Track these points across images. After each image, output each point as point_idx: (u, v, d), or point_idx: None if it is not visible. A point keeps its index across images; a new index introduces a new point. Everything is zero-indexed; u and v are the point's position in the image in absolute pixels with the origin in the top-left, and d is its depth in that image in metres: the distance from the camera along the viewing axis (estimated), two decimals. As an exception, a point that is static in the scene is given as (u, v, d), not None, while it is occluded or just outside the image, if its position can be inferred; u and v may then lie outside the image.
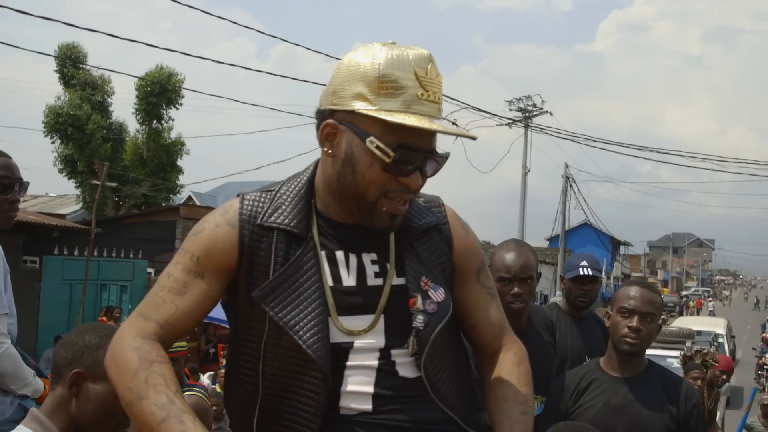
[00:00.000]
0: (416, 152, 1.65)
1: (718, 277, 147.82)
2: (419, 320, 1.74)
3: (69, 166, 23.33)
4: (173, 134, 23.87)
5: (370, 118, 1.62)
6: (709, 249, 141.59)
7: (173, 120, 23.48)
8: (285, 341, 1.67)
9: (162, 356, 1.65)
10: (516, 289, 3.14)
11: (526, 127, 29.01)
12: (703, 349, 7.42)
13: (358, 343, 1.72)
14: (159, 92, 22.44)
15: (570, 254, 5.25)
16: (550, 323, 3.75)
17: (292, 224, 1.73)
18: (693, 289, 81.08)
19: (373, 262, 1.78)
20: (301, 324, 1.67)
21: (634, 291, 3.05)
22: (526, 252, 3.25)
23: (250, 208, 1.75)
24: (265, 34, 26.27)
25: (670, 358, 10.15)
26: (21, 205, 3.05)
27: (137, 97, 22.74)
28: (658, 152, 25.15)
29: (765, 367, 20.05)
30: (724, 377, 7.98)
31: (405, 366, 1.75)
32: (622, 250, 66.29)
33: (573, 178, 34.41)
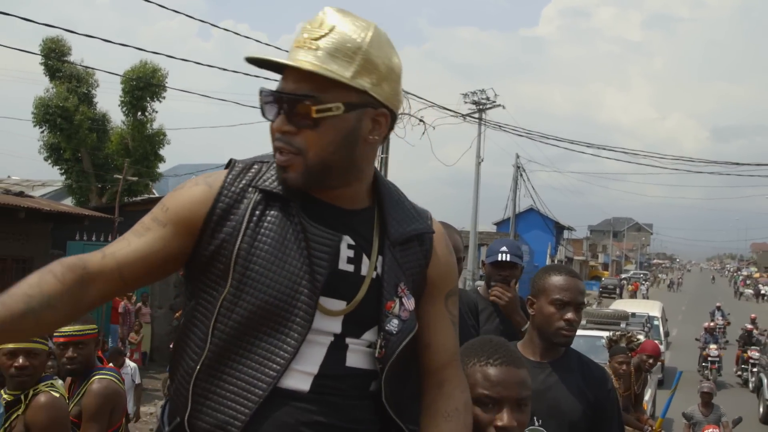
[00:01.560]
0: (263, 91, 1.69)
1: (655, 261, 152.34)
2: (393, 324, 1.72)
3: (54, 154, 24.67)
4: (155, 125, 25.38)
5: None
6: (647, 233, 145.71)
7: (156, 112, 24.98)
8: (255, 297, 1.63)
9: (61, 275, 1.57)
10: None
11: (480, 120, 30.82)
12: (628, 333, 7.70)
13: (316, 323, 1.66)
14: (144, 86, 23.91)
15: (506, 239, 5.21)
16: (473, 307, 3.82)
17: (281, 188, 1.70)
18: (632, 272, 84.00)
19: (349, 246, 1.73)
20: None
21: (566, 281, 2.96)
22: (454, 234, 3.21)
23: (238, 172, 1.73)
24: (196, 18, 27.42)
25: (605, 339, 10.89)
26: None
27: (123, 90, 24.17)
28: (605, 149, 27.22)
29: (709, 358, 20.18)
30: (651, 361, 8.11)
31: (356, 354, 1.72)
32: (566, 234, 68.89)
33: (522, 167, 36.79)
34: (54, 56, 23.99)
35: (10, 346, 3.38)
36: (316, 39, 1.64)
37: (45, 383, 3.56)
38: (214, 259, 1.68)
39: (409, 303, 1.77)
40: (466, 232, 47.91)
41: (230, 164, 1.77)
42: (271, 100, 1.68)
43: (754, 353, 19.81)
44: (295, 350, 1.63)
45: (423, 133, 22.90)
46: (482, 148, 31.11)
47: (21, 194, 15.47)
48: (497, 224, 58.66)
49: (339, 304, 1.71)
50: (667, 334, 20.84)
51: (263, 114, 1.69)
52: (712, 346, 20.50)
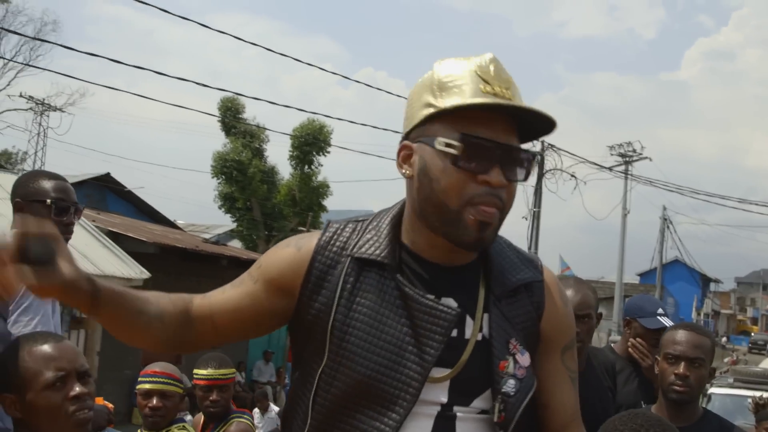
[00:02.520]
0: (485, 141, 1.50)
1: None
2: (510, 385, 1.59)
3: (228, 202, 27.01)
4: (320, 177, 27.43)
5: (435, 121, 1.54)
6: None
7: (322, 165, 27.06)
8: (353, 371, 1.55)
9: (173, 298, 1.64)
10: None
11: (626, 173, 31.21)
12: None
13: (421, 393, 1.54)
14: (311, 142, 25.99)
15: (653, 297, 4.30)
16: (611, 367, 3.62)
17: (377, 254, 1.60)
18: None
19: None
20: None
21: (680, 335, 2.89)
22: (585, 289, 3.16)
23: (331, 235, 1.65)
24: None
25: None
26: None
27: (292, 145, 26.33)
28: (752, 203, 27.12)
29: None
30: None
31: (467, 423, 1.59)
32: (712, 287, 67.10)
33: (669, 219, 36.80)
34: (230, 114, 26.43)
35: (147, 386, 3.59)
36: (503, 85, 1.55)
37: (177, 425, 3.67)
38: (313, 329, 1.61)
39: (524, 359, 1.63)
40: (603, 282, 47.84)
41: (327, 226, 1.70)
42: (511, 151, 1.54)
43: None
44: (398, 425, 1.52)
45: (575, 188, 23.71)
46: (628, 199, 31.39)
47: (217, 243, 17.31)
48: (641, 275, 57.92)
49: (442, 371, 1.57)
50: None
51: (503, 171, 1.52)
52: None
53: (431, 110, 1.55)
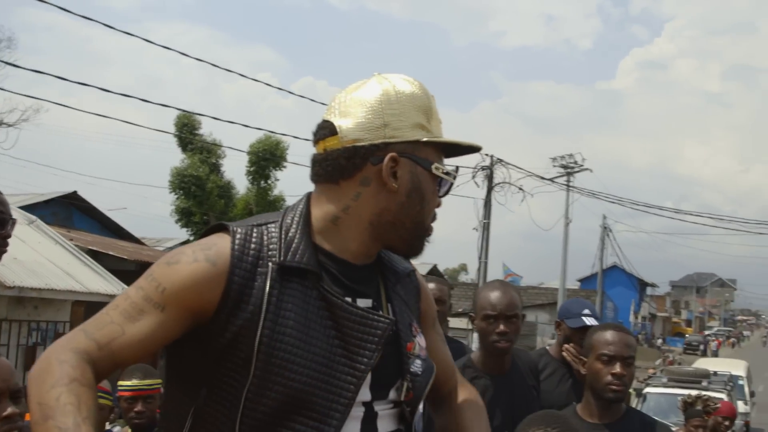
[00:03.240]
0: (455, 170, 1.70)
1: (740, 317, 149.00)
2: (417, 365, 1.67)
3: (185, 217, 27.55)
4: (276, 191, 28.19)
5: (429, 146, 1.63)
6: (731, 289, 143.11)
7: (278, 180, 27.84)
8: (283, 386, 1.48)
9: (86, 378, 1.41)
10: (501, 327, 3.14)
11: (568, 185, 32.42)
12: (704, 395, 7.41)
13: None
14: (268, 157, 26.72)
15: (582, 299, 4.60)
16: (535, 368, 3.65)
17: (299, 260, 1.55)
18: (716, 329, 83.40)
19: (373, 307, 1.66)
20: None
21: (612, 336, 2.97)
22: (512, 291, 3.26)
23: (242, 243, 1.54)
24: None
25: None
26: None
27: (249, 161, 27.02)
28: (692, 214, 28.63)
29: None
30: (727, 423, 7.93)
31: (384, 419, 1.63)
32: (649, 291, 69.29)
33: (609, 227, 38.37)
34: (186, 130, 26.99)
35: None
36: None
37: None
38: (233, 347, 1.50)
39: (423, 341, 1.73)
40: (544, 288, 49.03)
41: (226, 231, 1.58)
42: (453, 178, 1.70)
43: None
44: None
45: (522, 200, 24.85)
46: (570, 209, 32.54)
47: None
48: (581, 281, 59.60)
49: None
50: (752, 394, 20.03)
51: (445, 193, 1.71)
52: None
53: (428, 136, 1.63)
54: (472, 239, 24.76)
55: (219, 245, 1.55)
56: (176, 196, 27.24)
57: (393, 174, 1.60)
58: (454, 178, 1.69)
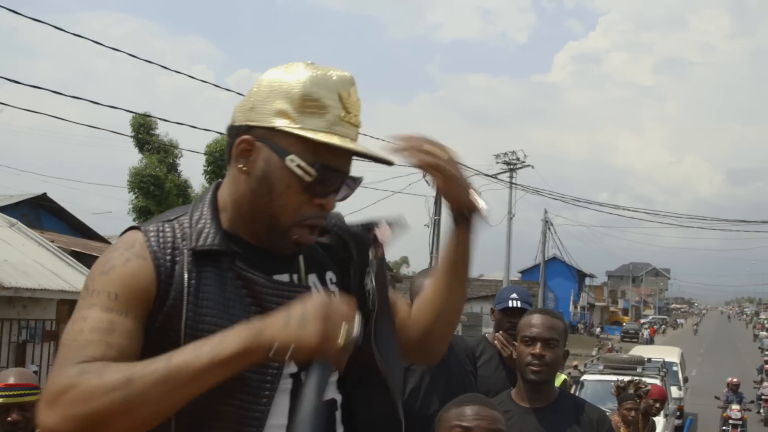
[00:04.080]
0: (336, 173, 1.58)
1: (674, 306, 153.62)
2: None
3: (143, 216, 28.18)
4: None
5: (291, 136, 1.53)
6: (665, 278, 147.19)
7: (235, 179, 28.65)
8: None
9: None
10: None
11: (511, 182, 33.84)
12: (636, 379, 7.53)
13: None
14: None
15: (516, 286, 6.06)
16: (471, 354, 3.68)
17: (211, 243, 1.55)
18: (651, 317, 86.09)
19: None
20: None
21: (534, 319, 3.01)
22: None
23: (156, 236, 1.55)
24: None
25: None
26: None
27: (207, 160, 27.76)
28: (634, 210, 30.25)
29: (730, 421, 17.66)
30: (657, 405, 8.12)
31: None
32: (587, 281, 71.60)
33: (551, 221, 40.03)
34: (143, 131, 27.64)
35: (1, 401, 3.33)
36: (358, 114, 1.62)
37: None
38: (161, 335, 1.48)
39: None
40: (483, 280, 50.09)
41: (138, 231, 1.57)
42: (347, 180, 1.62)
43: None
44: (267, 408, 1.51)
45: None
46: (513, 204, 33.96)
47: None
48: (522, 272, 61.42)
49: None
50: (686, 380, 20.37)
51: (336, 196, 1.61)
52: (734, 407, 17.93)
53: (289, 126, 1.53)
54: (425, 237, 25.83)
55: (138, 241, 1.55)
56: (134, 195, 27.84)
57: (246, 157, 1.56)
58: (319, 177, 1.54)
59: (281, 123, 1.54)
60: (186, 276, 1.52)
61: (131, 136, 27.94)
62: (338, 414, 1.68)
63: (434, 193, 25.32)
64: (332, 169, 1.57)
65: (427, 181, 23.92)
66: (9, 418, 3.32)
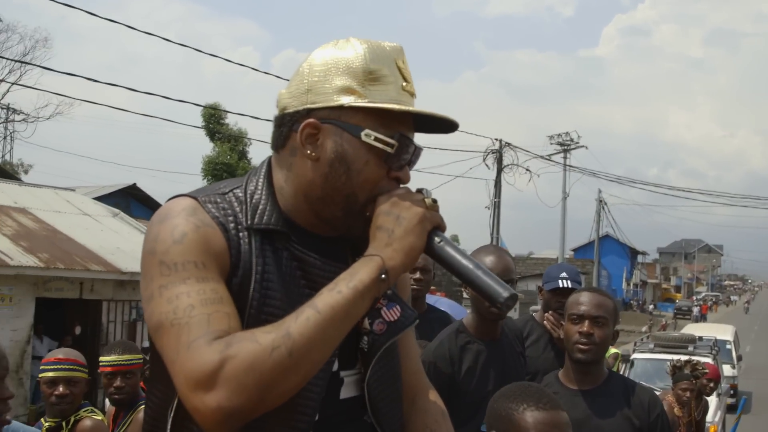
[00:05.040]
0: (411, 142, 1.52)
1: (727, 282, 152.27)
2: (364, 341, 1.56)
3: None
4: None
5: (360, 111, 1.47)
6: (717, 255, 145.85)
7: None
8: None
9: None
10: None
11: (564, 164, 34.55)
12: (693, 359, 7.36)
13: None
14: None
15: (565, 264, 6.65)
16: (520, 334, 3.65)
17: (272, 222, 1.49)
18: (704, 294, 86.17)
19: None
20: None
21: (583, 297, 2.96)
22: (506, 257, 3.23)
23: (218, 208, 1.46)
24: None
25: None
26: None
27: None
28: (688, 191, 30.73)
29: None
30: (711, 385, 7.99)
31: (348, 386, 1.56)
32: (639, 258, 71.86)
33: (605, 201, 40.74)
34: (213, 121, 29.10)
35: (50, 374, 3.51)
36: (413, 82, 1.57)
37: (85, 409, 3.62)
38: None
39: (389, 313, 1.58)
40: (533, 258, 50.67)
41: (190, 198, 1.48)
42: (419, 149, 1.56)
43: None
44: (317, 404, 1.46)
45: (530, 180, 27.12)
46: (568, 184, 34.68)
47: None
48: (575, 250, 61.94)
49: None
50: (740, 358, 20.24)
51: (403, 168, 1.54)
52: None
53: (359, 100, 1.47)
54: (485, 218, 26.85)
55: (198, 209, 1.45)
56: (208, 182, 29.36)
57: (314, 142, 1.48)
58: (400, 147, 1.50)
59: (348, 99, 1.48)
60: (255, 255, 1.45)
61: (202, 127, 29.40)
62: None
63: (494, 176, 26.41)
64: (408, 139, 1.52)
65: (487, 165, 24.96)
66: (56, 392, 3.51)
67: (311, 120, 1.48)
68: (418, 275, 4.13)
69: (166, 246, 1.39)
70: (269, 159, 1.61)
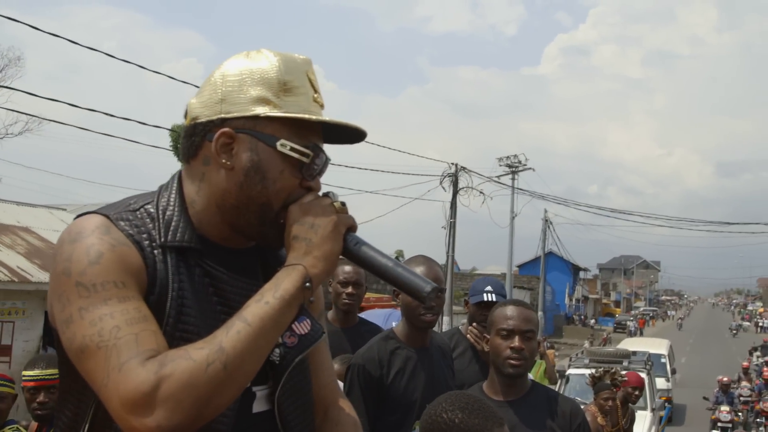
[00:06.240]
0: (323, 152, 1.55)
1: (664, 297, 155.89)
2: (275, 354, 1.53)
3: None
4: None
5: (275, 121, 1.49)
6: (655, 270, 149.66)
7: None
8: None
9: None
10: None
11: (513, 185, 36.24)
12: (611, 369, 7.40)
13: None
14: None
15: (490, 278, 4.60)
16: (447, 347, 3.61)
17: (185, 239, 1.48)
18: (642, 309, 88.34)
19: None
20: None
21: (510, 311, 2.94)
22: (435, 266, 3.24)
23: (131, 226, 1.45)
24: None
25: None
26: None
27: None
28: (629, 213, 32.72)
29: (719, 424, 16.30)
30: (637, 393, 7.98)
31: (260, 400, 1.56)
32: (581, 274, 74.11)
33: (550, 220, 42.80)
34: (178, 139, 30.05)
35: None
36: (323, 103, 1.59)
37: (10, 427, 3.56)
38: None
39: (300, 326, 1.53)
40: (477, 274, 51.88)
41: (101, 216, 1.44)
42: (327, 159, 1.59)
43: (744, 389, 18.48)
44: (232, 420, 1.47)
45: (483, 202, 28.81)
46: (516, 204, 36.33)
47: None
48: (520, 266, 63.49)
49: None
50: (674, 372, 20.28)
51: (314, 177, 1.55)
52: (724, 408, 16.53)
53: (274, 110, 1.49)
54: (441, 237, 28.39)
55: (111, 227, 1.42)
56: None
57: (228, 151, 1.48)
58: (314, 156, 1.52)
59: (263, 110, 1.49)
60: (170, 276, 1.44)
61: (170, 146, 30.34)
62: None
63: (450, 198, 28.00)
64: (320, 149, 1.54)
65: (443, 188, 26.50)
66: (38, 399, 3.56)
67: (226, 129, 1.48)
68: (350, 289, 4.30)
69: (81, 267, 1.36)
70: (179, 173, 1.59)
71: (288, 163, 1.51)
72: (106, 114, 13.99)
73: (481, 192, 28.65)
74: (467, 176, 28.42)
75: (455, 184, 27.97)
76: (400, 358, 3.20)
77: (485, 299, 3.98)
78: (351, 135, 1.61)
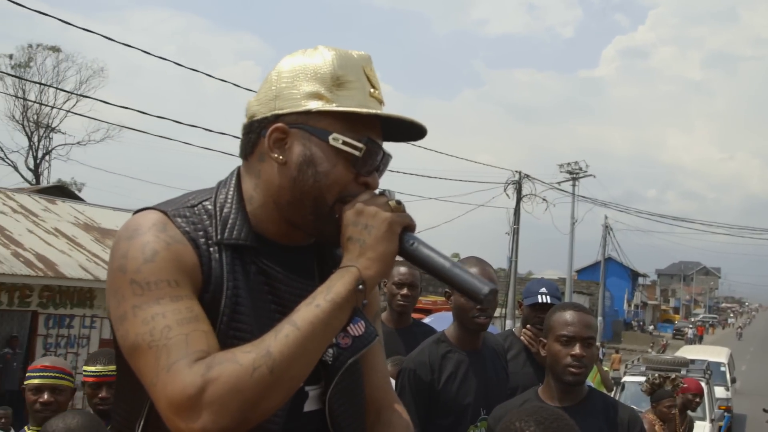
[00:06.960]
0: (380, 147, 1.54)
1: (724, 305, 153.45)
2: (328, 354, 1.54)
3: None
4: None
5: (328, 116, 1.49)
6: (715, 277, 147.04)
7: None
8: None
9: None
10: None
11: (573, 193, 36.71)
12: (671, 375, 7.13)
13: None
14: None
15: (545, 280, 4.80)
16: (502, 349, 3.59)
17: (242, 237, 1.49)
18: (702, 316, 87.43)
19: None
20: None
21: (571, 316, 2.86)
22: (486, 266, 3.21)
23: (188, 223, 1.46)
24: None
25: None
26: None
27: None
28: (691, 221, 33.01)
29: None
30: (697, 400, 7.79)
31: (312, 400, 1.57)
32: (640, 280, 73.83)
33: (610, 226, 43.20)
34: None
35: (36, 381, 3.46)
36: (380, 89, 1.58)
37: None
38: None
39: (354, 327, 1.57)
40: (531, 278, 51.38)
41: (158, 212, 1.46)
42: (387, 156, 1.58)
43: None
44: (283, 419, 1.47)
45: (546, 209, 29.54)
46: (576, 210, 36.85)
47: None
48: (578, 272, 63.64)
49: None
50: (733, 381, 19.81)
51: (371, 173, 1.54)
52: None
53: (326, 105, 1.48)
54: (505, 243, 29.10)
55: (168, 224, 1.44)
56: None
57: (281, 146, 1.49)
58: (368, 151, 1.50)
59: (315, 104, 1.49)
60: (226, 272, 1.44)
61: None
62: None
63: (513, 205, 28.78)
64: (376, 144, 1.53)
65: (507, 194, 27.33)
66: (41, 399, 3.44)
67: (279, 124, 1.49)
68: (405, 291, 4.32)
69: (137, 264, 1.37)
70: (238, 169, 1.59)
71: (341, 158, 1.50)
72: (175, 121, 14.96)
73: (544, 199, 29.37)
74: (530, 183, 29.19)
75: (518, 191, 28.72)
76: (452, 362, 3.21)
77: (540, 301, 3.98)
78: (411, 131, 1.59)
